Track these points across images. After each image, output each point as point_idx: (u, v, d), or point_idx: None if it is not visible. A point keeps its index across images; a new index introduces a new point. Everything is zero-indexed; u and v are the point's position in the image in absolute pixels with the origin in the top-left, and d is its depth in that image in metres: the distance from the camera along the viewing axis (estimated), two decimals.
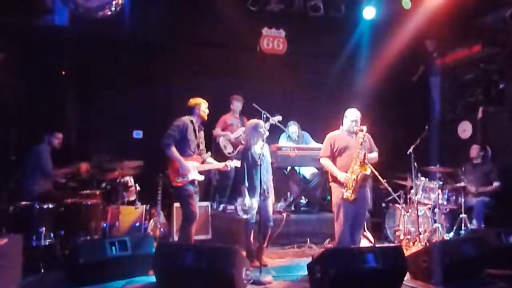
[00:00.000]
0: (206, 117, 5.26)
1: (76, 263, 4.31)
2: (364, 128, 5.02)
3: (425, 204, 6.47)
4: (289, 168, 6.90)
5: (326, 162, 5.14)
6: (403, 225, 6.39)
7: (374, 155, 5.24)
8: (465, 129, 8.16)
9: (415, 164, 6.14)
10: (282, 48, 8.20)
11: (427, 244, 5.91)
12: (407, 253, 4.82)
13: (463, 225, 6.32)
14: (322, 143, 5.33)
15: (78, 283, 4.34)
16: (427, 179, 6.58)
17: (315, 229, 6.40)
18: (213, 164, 5.33)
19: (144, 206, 6.27)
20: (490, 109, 7.73)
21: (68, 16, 6.82)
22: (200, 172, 5.09)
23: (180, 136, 4.97)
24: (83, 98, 7.24)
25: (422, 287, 4.58)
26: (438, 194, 6.41)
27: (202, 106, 5.20)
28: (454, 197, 6.61)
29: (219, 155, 6.62)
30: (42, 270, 4.58)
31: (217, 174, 6.97)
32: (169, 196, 6.17)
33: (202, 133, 5.29)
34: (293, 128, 7.01)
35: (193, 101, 5.21)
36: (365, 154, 4.92)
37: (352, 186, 4.89)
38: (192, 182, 5.02)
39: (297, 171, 7.11)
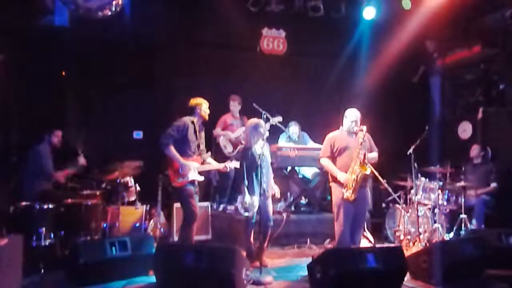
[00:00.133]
0: (207, 117, 5.25)
1: (76, 263, 4.30)
2: (364, 128, 5.01)
3: (425, 205, 6.47)
4: (289, 168, 6.90)
5: (326, 162, 5.14)
6: (403, 225, 6.39)
7: (374, 155, 5.24)
8: (465, 130, 8.17)
9: (415, 164, 6.13)
10: (282, 49, 8.21)
11: (427, 244, 5.92)
12: (407, 253, 4.82)
13: (463, 225, 6.32)
14: (321, 144, 5.33)
15: (78, 283, 4.33)
16: (427, 179, 6.59)
17: (315, 230, 6.40)
18: (212, 164, 5.32)
19: (144, 206, 6.27)
20: (490, 110, 7.74)
21: (68, 16, 6.82)
22: (200, 173, 5.09)
23: (180, 136, 4.97)
24: (83, 98, 7.24)
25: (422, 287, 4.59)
26: (438, 195, 6.41)
27: (203, 106, 5.20)
28: (454, 198, 6.62)
29: (219, 155, 6.62)
30: (42, 270, 4.57)
31: (217, 175, 6.97)
32: (169, 196, 6.18)
33: (202, 133, 5.29)
34: (294, 128, 7.01)
35: (194, 101, 5.20)
36: (365, 154, 4.92)
37: (352, 186, 4.89)
38: (192, 182, 5.02)
39: (297, 172, 7.11)
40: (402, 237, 6.32)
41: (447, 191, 6.54)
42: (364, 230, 5.64)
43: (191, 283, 4.12)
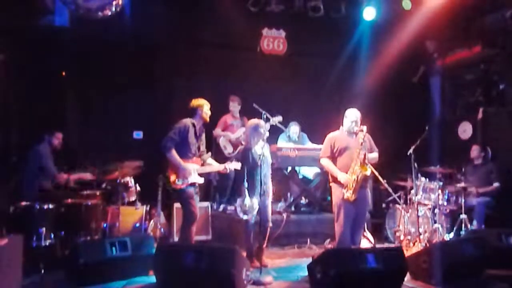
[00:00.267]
0: (208, 119, 5.21)
1: (76, 263, 4.30)
2: (364, 128, 5.01)
3: (425, 205, 6.47)
4: (289, 168, 6.90)
5: (326, 163, 5.13)
6: (403, 225, 6.39)
7: (374, 155, 5.24)
8: (465, 130, 8.16)
9: (415, 164, 6.14)
10: (282, 49, 8.20)
11: (427, 244, 5.92)
12: (407, 253, 4.82)
13: (463, 225, 6.31)
14: (321, 144, 5.33)
15: (78, 283, 4.33)
16: (427, 179, 6.58)
17: (315, 230, 6.40)
18: (212, 166, 5.29)
19: (144, 206, 6.27)
20: (490, 110, 7.73)
21: (68, 16, 6.83)
22: (200, 175, 5.08)
23: (181, 138, 4.94)
24: (83, 98, 7.25)
25: None
26: (438, 195, 6.40)
27: (205, 108, 5.14)
28: (454, 198, 6.61)
29: (219, 156, 6.61)
30: (42, 271, 4.57)
31: (217, 175, 6.95)
32: (169, 196, 6.17)
33: (203, 135, 5.27)
34: (294, 128, 7.02)
35: (195, 102, 5.15)
36: (365, 155, 4.91)
37: (352, 186, 4.89)
38: (192, 184, 5.01)
39: (298, 172, 7.11)
40: (402, 237, 6.32)
41: (447, 191, 6.54)
42: (364, 231, 5.63)
43: (191, 283, 4.12)
